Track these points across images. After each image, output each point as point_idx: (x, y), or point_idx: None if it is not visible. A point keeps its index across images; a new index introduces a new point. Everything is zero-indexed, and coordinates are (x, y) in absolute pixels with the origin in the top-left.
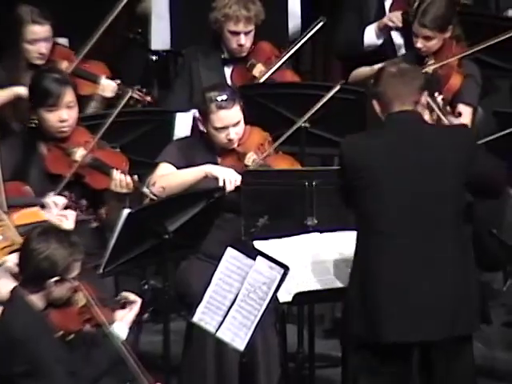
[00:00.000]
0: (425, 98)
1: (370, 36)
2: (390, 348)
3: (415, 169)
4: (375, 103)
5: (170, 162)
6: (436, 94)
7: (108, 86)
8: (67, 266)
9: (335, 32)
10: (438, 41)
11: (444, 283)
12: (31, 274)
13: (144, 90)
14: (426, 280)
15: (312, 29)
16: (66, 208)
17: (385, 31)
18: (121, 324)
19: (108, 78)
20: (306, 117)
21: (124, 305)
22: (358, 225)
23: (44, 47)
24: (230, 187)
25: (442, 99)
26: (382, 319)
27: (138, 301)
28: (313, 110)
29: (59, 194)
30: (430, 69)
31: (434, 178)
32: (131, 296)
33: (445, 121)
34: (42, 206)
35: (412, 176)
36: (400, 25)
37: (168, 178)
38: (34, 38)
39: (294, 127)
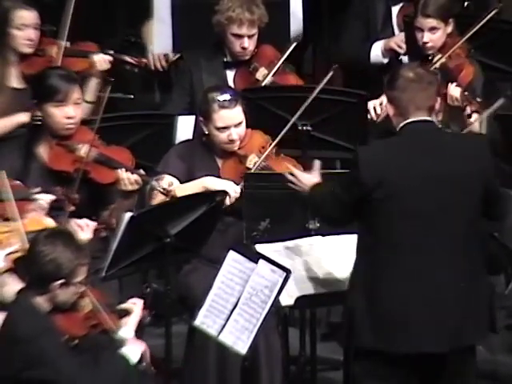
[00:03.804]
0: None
1: (377, 54)
2: (398, 359)
3: (434, 181)
4: (389, 106)
5: (172, 175)
6: (454, 85)
7: (101, 60)
8: (72, 270)
9: (339, 41)
10: (442, 33)
11: (454, 295)
12: (36, 276)
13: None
14: (438, 291)
15: (289, 48)
16: (56, 201)
17: (391, 53)
18: (126, 328)
19: (108, 53)
20: (301, 111)
21: (126, 314)
22: (367, 237)
23: (33, 33)
24: (229, 201)
25: (461, 89)
26: (394, 330)
27: (139, 302)
28: (308, 101)
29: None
30: (438, 63)
31: (452, 190)
32: (130, 304)
33: (468, 111)
34: (32, 200)
35: (430, 188)
36: (408, 52)
37: None
38: (23, 22)
39: (289, 124)
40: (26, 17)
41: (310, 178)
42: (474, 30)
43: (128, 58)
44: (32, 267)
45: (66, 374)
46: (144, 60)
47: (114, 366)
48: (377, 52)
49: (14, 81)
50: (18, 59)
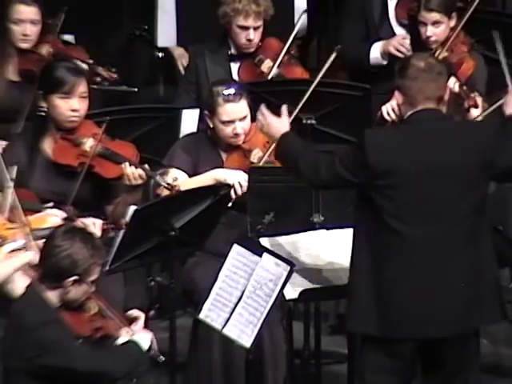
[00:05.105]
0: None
1: (376, 56)
2: (400, 344)
3: (439, 169)
4: (398, 95)
5: (179, 168)
6: (452, 79)
7: None
8: (87, 268)
9: (339, 41)
10: (445, 27)
11: (459, 281)
12: (50, 270)
13: (113, 70)
14: (442, 277)
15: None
16: (66, 219)
17: (391, 55)
18: (143, 334)
19: (85, 61)
20: (301, 103)
21: (131, 321)
22: (370, 223)
23: (29, 29)
24: (241, 190)
25: (459, 83)
26: (396, 316)
27: (142, 316)
28: (310, 89)
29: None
30: (439, 57)
31: (458, 178)
32: (135, 313)
33: (466, 106)
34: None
35: (436, 176)
36: (408, 53)
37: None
38: (19, 17)
39: (292, 116)
40: (23, 11)
41: (280, 125)
42: (466, 17)
43: (101, 71)
44: (47, 261)
45: (80, 358)
46: (114, 76)
47: (127, 350)
48: (376, 54)
49: (10, 73)
50: (16, 53)
